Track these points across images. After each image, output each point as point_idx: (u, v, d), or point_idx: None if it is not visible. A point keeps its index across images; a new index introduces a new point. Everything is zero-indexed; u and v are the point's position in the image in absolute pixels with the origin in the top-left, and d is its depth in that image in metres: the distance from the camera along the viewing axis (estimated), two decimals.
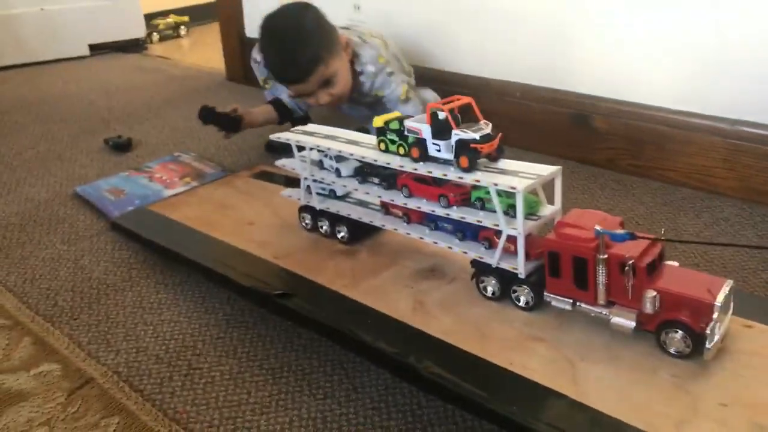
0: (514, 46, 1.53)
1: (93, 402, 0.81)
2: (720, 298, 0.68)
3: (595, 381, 0.69)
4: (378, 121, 0.90)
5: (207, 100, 2.07)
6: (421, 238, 0.91)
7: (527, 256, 0.79)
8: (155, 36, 3.09)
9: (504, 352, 0.74)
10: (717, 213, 1.21)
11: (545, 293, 0.78)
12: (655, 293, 0.69)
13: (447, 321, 0.81)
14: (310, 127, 1.09)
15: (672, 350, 0.70)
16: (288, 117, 1.58)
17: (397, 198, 0.91)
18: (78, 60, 2.70)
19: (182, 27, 3.21)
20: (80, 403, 0.81)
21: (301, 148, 1.02)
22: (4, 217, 1.32)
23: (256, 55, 1.59)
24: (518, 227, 0.78)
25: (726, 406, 0.64)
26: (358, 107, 1.55)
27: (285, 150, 1.05)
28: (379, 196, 0.94)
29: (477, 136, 0.80)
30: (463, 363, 0.73)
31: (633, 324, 0.71)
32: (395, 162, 0.88)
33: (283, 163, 1.07)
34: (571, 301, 0.76)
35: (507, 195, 0.80)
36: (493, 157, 0.83)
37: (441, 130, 0.83)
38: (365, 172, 0.96)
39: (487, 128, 0.82)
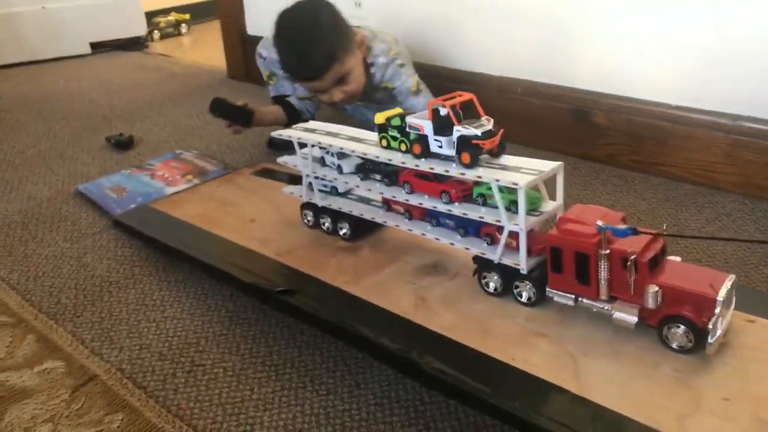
0: (514, 42, 1.53)
1: (97, 399, 0.81)
2: (722, 293, 0.68)
3: (597, 376, 0.69)
4: (379, 118, 0.90)
5: (208, 97, 2.07)
6: (423, 234, 0.91)
7: (529, 252, 0.80)
8: (156, 34, 3.09)
9: (506, 347, 0.74)
10: (719, 208, 1.21)
11: (547, 289, 0.78)
12: (657, 288, 0.69)
13: (449, 317, 0.81)
14: (312, 124, 1.09)
15: (674, 345, 0.71)
16: (297, 119, 1.57)
17: (399, 194, 0.91)
18: (79, 58, 2.70)
19: (183, 25, 3.21)
20: (84, 399, 0.81)
21: (302, 145, 1.02)
22: (7, 215, 1.32)
23: (262, 50, 1.59)
24: (520, 223, 0.78)
25: (728, 400, 0.64)
26: (360, 110, 1.55)
27: (287, 146, 1.06)
28: (381, 193, 0.94)
29: (479, 132, 0.80)
30: (465, 358, 0.74)
31: (635, 319, 0.72)
32: (397, 158, 0.89)
33: (285, 161, 1.07)
34: (574, 296, 0.76)
35: (509, 191, 0.80)
36: (495, 153, 0.83)
37: (443, 127, 0.83)
38: (367, 168, 0.96)
39: (488, 124, 0.82)
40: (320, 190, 1.04)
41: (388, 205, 0.97)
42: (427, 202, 0.88)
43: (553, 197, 0.84)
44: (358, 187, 0.98)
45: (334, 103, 1.44)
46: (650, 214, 1.20)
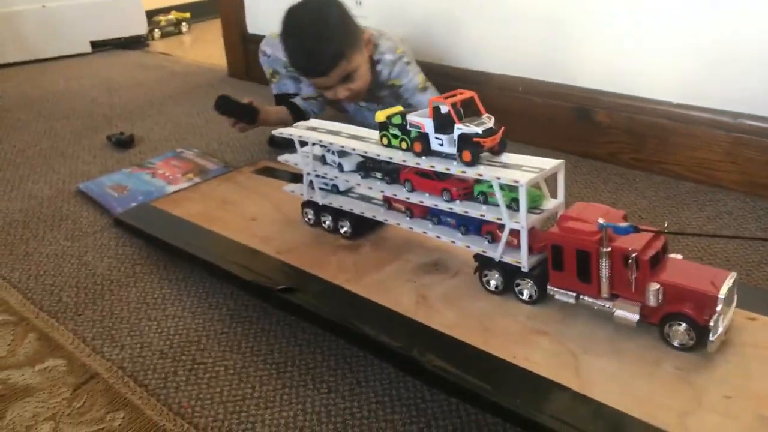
0: (516, 40, 1.53)
1: (98, 397, 0.81)
2: (723, 291, 0.68)
3: (599, 373, 0.69)
4: (380, 116, 0.90)
5: (209, 96, 2.07)
6: (424, 232, 0.91)
7: (530, 250, 0.80)
8: (157, 33, 3.09)
9: (507, 345, 0.74)
10: (720, 206, 1.21)
11: (548, 287, 0.78)
12: (658, 286, 0.69)
13: (450, 315, 0.81)
14: (313, 122, 1.09)
15: (675, 343, 0.70)
16: (301, 120, 1.57)
17: (400, 192, 0.91)
18: (80, 57, 2.70)
19: (184, 23, 3.21)
20: (85, 397, 0.81)
21: (303, 144, 1.02)
22: (8, 213, 1.32)
23: (266, 48, 1.59)
24: (521, 221, 0.78)
25: (730, 398, 0.64)
26: (362, 112, 1.55)
27: (288, 145, 1.05)
28: (382, 191, 0.94)
29: (479, 130, 0.80)
30: (466, 356, 0.73)
31: (636, 317, 0.72)
32: (398, 157, 0.89)
33: (286, 159, 1.07)
34: (575, 294, 0.76)
35: (510, 189, 0.80)
36: (496, 151, 0.83)
37: (443, 125, 0.83)
38: (368, 167, 0.96)
39: (489, 122, 0.82)
40: (321, 189, 1.03)
41: (389, 203, 0.97)
42: (428, 200, 0.88)
43: (554, 195, 0.84)
44: (358, 185, 0.98)
45: (339, 100, 1.44)
46: (651, 212, 1.20)
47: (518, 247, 0.80)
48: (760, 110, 1.21)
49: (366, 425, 0.75)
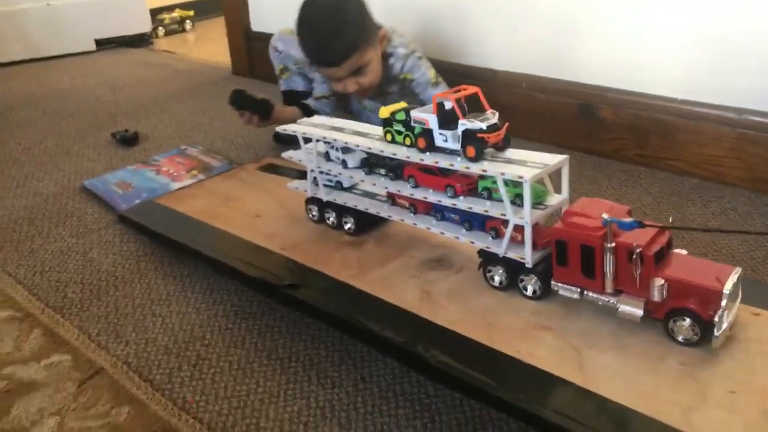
0: (520, 36, 1.53)
1: (103, 392, 0.82)
2: (728, 286, 0.67)
3: (603, 369, 0.69)
4: (384, 112, 0.90)
5: (213, 94, 2.08)
6: (427, 228, 0.91)
7: (534, 246, 0.80)
8: (161, 31, 3.09)
9: (511, 340, 0.74)
10: (725, 203, 1.21)
11: (552, 282, 0.78)
12: (663, 281, 0.69)
13: (454, 310, 0.81)
14: (317, 119, 1.09)
15: (680, 338, 0.70)
16: None
17: (404, 189, 0.91)
18: (84, 55, 2.70)
19: (187, 21, 3.21)
20: (91, 393, 0.82)
21: (307, 140, 1.02)
22: (14, 210, 1.33)
23: (278, 43, 1.60)
24: (525, 216, 0.78)
25: (735, 393, 0.64)
26: (365, 113, 1.55)
27: (293, 141, 1.06)
28: (386, 187, 0.94)
29: (484, 125, 0.80)
30: (470, 352, 0.74)
31: (641, 312, 0.72)
32: (401, 153, 0.89)
33: (290, 155, 1.07)
34: (579, 289, 0.76)
35: (514, 184, 0.80)
36: (500, 147, 0.83)
37: (447, 120, 0.83)
38: (372, 163, 0.96)
39: (493, 118, 0.82)
40: (325, 185, 1.04)
41: (392, 199, 0.97)
42: (432, 196, 0.88)
43: (558, 191, 0.84)
44: (362, 181, 0.98)
45: (347, 95, 1.44)
46: (656, 208, 1.20)
47: (522, 242, 0.80)
48: (765, 106, 1.21)
49: (370, 420, 0.75)
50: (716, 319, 0.67)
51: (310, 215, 1.07)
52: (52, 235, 1.22)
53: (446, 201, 0.86)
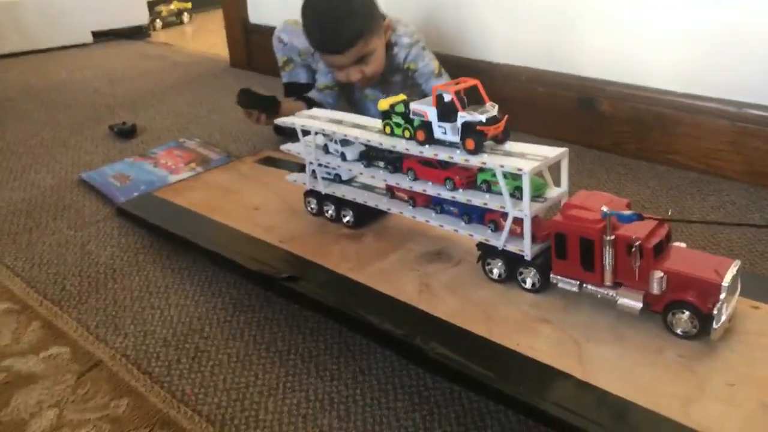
0: (520, 29, 1.52)
1: (102, 384, 0.82)
2: (727, 279, 0.67)
3: (602, 361, 0.69)
4: (383, 104, 0.90)
5: (211, 86, 2.08)
6: (426, 221, 0.91)
7: (533, 238, 0.79)
8: (158, 23, 3.08)
9: (510, 333, 0.74)
10: (723, 196, 1.21)
11: (551, 275, 0.78)
12: (662, 274, 0.69)
13: (453, 303, 0.81)
14: (316, 111, 1.09)
15: (679, 331, 0.70)
16: None
17: (403, 181, 0.91)
18: (81, 47, 2.69)
19: (185, 13, 3.20)
20: (89, 385, 0.82)
21: (306, 133, 1.01)
22: (11, 203, 1.32)
23: (282, 34, 1.59)
24: (525, 209, 0.78)
25: (733, 385, 0.64)
26: (365, 103, 1.55)
27: (294, 132, 1.05)
28: (385, 180, 0.94)
29: (483, 118, 0.80)
30: (469, 344, 0.74)
31: (640, 305, 0.72)
32: (401, 145, 0.88)
33: (289, 148, 1.07)
34: (578, 282, 0.76)
35: (513, 177, 0.79)
36: (499, 140, 0.83)
37: (447, 113, 0.82)
38: (370, 155, 0.96)
39: (493, 110, 0.82)
40: (324, 178, 1.03)
41: (391, 192, 0.97)
42: (431, 189, 0.88)
43: (557, 183, 0.84)
44: (361, 174, 0.98)
45: (349, 85, 1.43)
46: (654, 202, 1.20)
47: (521, 235, 0.80)
48: (764, 100, 1.21)
49: (369, 413, 0.75)
50: (715, 311, 0.67)
51: (309, 208, 1.07)
52: (50, 227, 1.22)
53: (445, 194, 0.86)
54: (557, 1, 1.44)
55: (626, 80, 1.38)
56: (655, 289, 0.69)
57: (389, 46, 1.44)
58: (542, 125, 1.49)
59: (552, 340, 0.73)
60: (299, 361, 0.84)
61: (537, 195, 0.82)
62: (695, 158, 1.31)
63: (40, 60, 2.52)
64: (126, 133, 1.65)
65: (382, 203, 0.97)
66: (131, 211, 1.20)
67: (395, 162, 0.93)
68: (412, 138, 0.87)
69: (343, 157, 0.99)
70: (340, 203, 1.02)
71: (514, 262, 0.82)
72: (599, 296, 0.75)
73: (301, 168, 1.07)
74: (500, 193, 0.80)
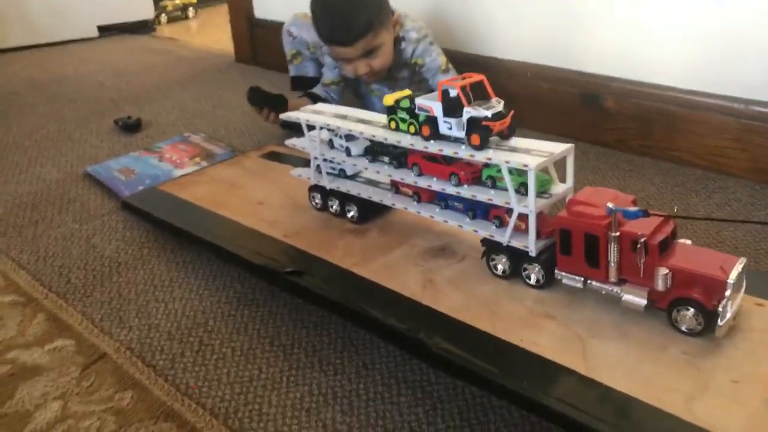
0: (525, 25, 1.52)
1: (107, 377, 0.82)
2: (733, 276, 0.67)
3: (606, 357, 0.69)
4: (388, 100, 0.90)
5: (216, 81, 2.08)
6: (431, 216, 0.91)
7: (538, 234, 0.79)
8: (163, 17, 3.08)
9: (514, 329, 0.74)
10: (729, 194, 1.20)
11: (556, 271, 0.78)
12: (667, 271, 0.69)
13: (457, 298, 0.81)
14: (320, 106, 1.09)
15: (683, 327, 0.70)
16: None
17: (408, 177, 0.91)
18: (87, 41, 2.70)
19: (190, 8, 3.20)
20: (94, 377, 0.82)
21: (311, 127, 1.01)
22: (17, 196, 1.33)
23: (292, 28, 1.59)
24: (530, 205, 0.78)
25: (737, 382, 0.64)
26: (370, 97, 1.54)
27: (300, 127, 1.05)
28: (390, 175, 0.94)
29: (488, 113, 0.79)
30: (473, 339, 0.74)
31: (644, 301, 0.71)
32: (406, 140, 0.88)
33: (293, 143, 1.07)
34: (582, 278, 0.76)
35: (519, 173, 0.79)
36: (505, 135, 0.83)
37: (452, 108, 0.82)
38: (375, 151, 0.96)
39: (498, 106, 0.81)
40: (328, 173, 1.03)
41: (396, 187, 0.97)
42: (436, 185, 0.88)
43: (563, 179, 0.84)
44: (366, 169, 0.98)
45: (356, 79, 1.43)
46: (659, 199, 1.20)
47: (526, 231, 0.80)
48: None
49: (372, 407, 0.75)
50: (720, 308, 0.67)
51: (314, 203, 1.07)
52: (56, 220, 1.22)
53: (450, 189, 0.86)
54: None
55: (631, 77, 1.38)
56: (660, 285, 0.69)
57: (397, 41, 1.44)
58: (547, 121, 1.49)
59: (556, 336, 0.73)
60: (303, 355, 0.84)
61: (542, 191, 0.82)
62: (700, 155, 1.30)
63: (46, 54, 2.52)
64: (131, 127, 1.66)
65: (386, 198, 0.96)
66: (136, 205, 1.20)
67: (400, 157, 0.93)
68: (417, 133, 0.87)
69: (347, 152, 0.99)
70: (345, 198, 1.02)
71: (518, 258, 0.82)
72: (604, 293, 0.75)
73: (306, 163, 1.07)
74: (505, 189, 0.80)
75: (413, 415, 0.74)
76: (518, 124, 0.84)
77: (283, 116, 1.07)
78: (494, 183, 0.83)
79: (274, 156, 1.34)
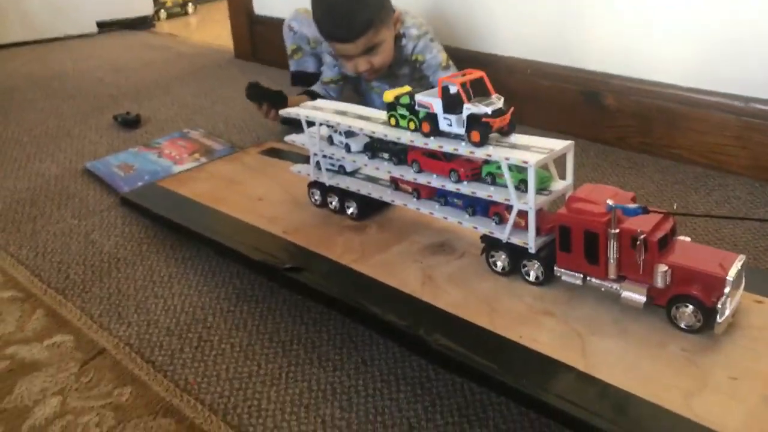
0: (524, 22, 1.51)
1: (106, 372, 0.82)
2: (732, 273, 0.67)
3: (605, 354, 0.69)
4: (388, 96, 0.90)
5: (215, 77, 2.08)
6: (431, 213, 0.91)
7: (538, 231, 0.79)
8: (162, 13, 3.08)
9: (513, 325, 0.74)
10: (728, 191, 1.20)
11: (555, 268, 0.78)
12: (666, 268, 0.69)
13: (456, 295, 0.81)
14: (320, 102, 1.09)
15: (682, 324, 0.70)
16: None
17: (407, 173, 0.91)
18: (86, 37, 2.69)
19: (189, 4, 3.20)
20: (93, 373, 0.82)
21: (310, 124, 1.01)
22: (16, 192, 1.33)
23: (293, 23, 1.59)
24: (529, 202, 0.78)
25: (736, 379, 0.64)
26: (370, 94, 1.54)
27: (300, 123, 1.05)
28: (389, 172, 0.94)
29: (489, 110, 0.79)
30: (472, 336, 0.74)
31: (644, 298, 0.71)
32: (405, 137, 0.88)
33: (293, 139, 1.06)
34: (582, 275, 0.76)
35: (518, 170, 0.79)
36: (505, 132, 0.83)
37: (452, 104, 0.82)
38: (375, 147, 0.96)
39: (499, 102, 0.81)
40: (328, 169, 1.03)
41: (396, 184, 0.97)
42: (436, 181, 0.88)
43: (562, 176, 0.84)
44: (366, 166, 0.98)
45: (356, 77, 1.43)
46: (659, 196, 1.20)
47: (526, 228, 0.80)
48: None
49: (371, 403, 0.75)
50: (719, 306, 0.67)
51: (313, 199, 1.07)
52: (54, 216, 1.22)
53: (450, 186, 0.86)
54: None
55: (631, 74, 1.37)
56: (660, 282, 0.69)
57: (398, 38, 1.44)
58: (547, 118, 1.49)
59: (555, 332, 0.73)
60: (302, 351, 0.84)
61: (542, 188, 0.82)
62: (700, 153, 1.30)
63: (45, 50, 2.52)
64: (130, 123, 1.65)
65: (386, 195, 0.96)
66: (135, 200, 1.20)
67: (400, 154, 0.93)
68: (417, 130, 0.87)
69: (347, 148, 0.98)
70: (344, 194, 1.01)
71: (517, 255, 0.82)
72: (603, 289, 0.75)
73: (306, 159, 1.07)
74: (505, 186, 0.80)
75: (412, 411, 0.74)
76: (518, 122, 0.84)
77: (282, 112, 1.07)
78: (494, 180, 0.83)
79: (273, 152, 1.34)
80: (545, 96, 1.50)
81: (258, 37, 2.21)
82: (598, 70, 1.42)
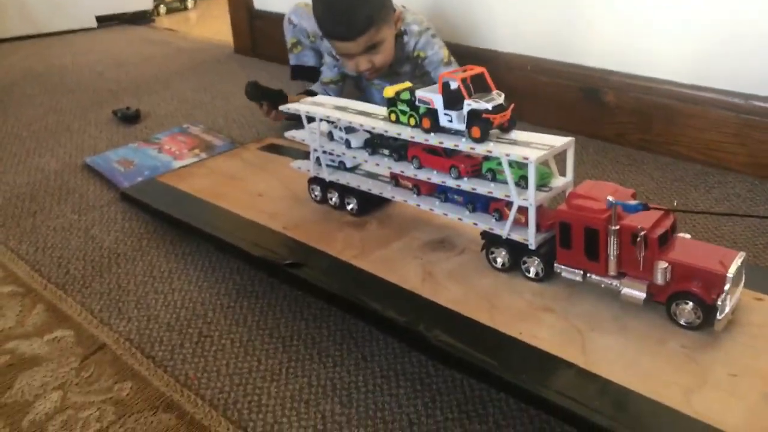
0: (524, 18, 1.51)
1: (106, 367, 0.82)
2: (732, 270, 0.67)
3: (605, 351, 0.69)
4: (389, 92, 0.90)
5: (215, 72, 2.07)
6: (431, 209, 0.91)
7: (538, 228, 0.79)
8: (162, 8, 3.07)
9: (513, 321, 0.75)
10: (728, 188, 1.21)
11: (555, 264, 0.78)
12: (666, 264, 0.69)
13: (456, 291, 0.81)
14: (320, 98, 1.09)
15: (682, 321, 0.70)
16: None
17: (407, 169, 0.91)
18: (85, 32, 2.68)
19: None
20: (93, 368, 0.82)
21: (311, 119, 1.01)
22: (15, 187, 1.33)
23: (293, 16, 1.59)
24: (530, 198, 0.78)
25: (736, 376, 0.64)
26: (371, 89, 1.54)
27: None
28: (389, 168, 0.94)
29: (489, 106, 0.79)
30: (472, 332, 0.74)
31: (644, 295, 0.72)
32: (406, 133, 0.88)
33: (293, 135, 1.06)
34: (582, 272, 0.76)
35: (519, 166, 0.79)
36: (506, 128, 0.83)
37: (453, 100, 0.82)
38: (375, 143, 0.96)
39: (499, 98, 0.81)
40: (328, 165, 1.03)
41: (396, 180, 0.97)
42: (436, 177, 0.88)
43: (563, 173, 0.84)
44: (366, 162, 0.98)
45: (358, 75, 1.43)
46: (659, 193, 1.20)
47: (526, 224, 0.80)
48: None
49: (371, 399, 0.75)
50: (719, 302, 0.67)
51: (313, 195, 1.07)
52: (54, 211, 1.22)
53: (450, 182, 0.86)
54: None
55: (631, 71, 1.37)
56: (660, 279, 0.69)
57: (399, 36, 1.43)
58: (546, 115, 1.49)
59: (555, 329, 0.73)
60: (302, 347, 0.84)
61: (542, 184, 0.82)
62: (699, 150, 1.30)
63: (45, 44, 2.51)
64: (130, 118, 1.65)
65: (386, 191, 0.96)
66: (135, 196, 1.20)
67: (400, 150, 0.93)
68: (417, 126, 0.87)
69: (347, 144, 0.98)
70: (344, 190, 1.01)
71: (517, 251, 0.82)
72: (603, 286, 0.75)
73: (306, 155, 1.07)
74: (505, 182, 0.80)
75: (412, 407, 0.74)
76: (517, 118, 0.84)
77: (282, 108, 1.07)
78: (494, 176, 0.83)
79: (273, 148, 1.34)
80: (545, 92, 1.50)
81: (258, 32, 2.20)
82: (597, 66, 1.42)
